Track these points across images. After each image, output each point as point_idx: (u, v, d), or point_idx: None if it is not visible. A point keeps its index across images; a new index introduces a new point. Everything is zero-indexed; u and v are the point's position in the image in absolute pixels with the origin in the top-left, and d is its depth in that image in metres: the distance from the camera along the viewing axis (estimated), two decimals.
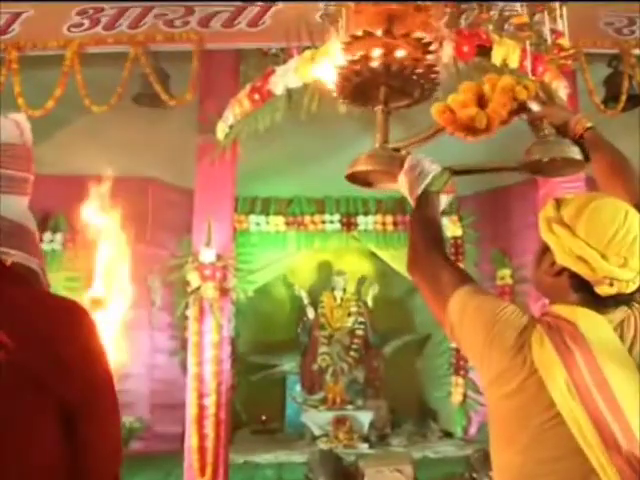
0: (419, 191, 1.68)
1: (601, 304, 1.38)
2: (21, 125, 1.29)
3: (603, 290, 1.36)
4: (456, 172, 1.75)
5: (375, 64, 1.78)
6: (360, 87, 1.85)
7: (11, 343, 1.10)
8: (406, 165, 1.72)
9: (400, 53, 1.79)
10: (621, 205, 1.40)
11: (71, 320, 1.18)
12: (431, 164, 1.70)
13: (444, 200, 1.73)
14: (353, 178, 1.86)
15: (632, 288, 1.37)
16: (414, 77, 1.81)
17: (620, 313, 1.38)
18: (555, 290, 1.44)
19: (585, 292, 1.38)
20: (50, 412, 1.16)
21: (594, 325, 1.34)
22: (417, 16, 1.88)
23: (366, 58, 1.80)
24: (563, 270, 1.41)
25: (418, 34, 1.84)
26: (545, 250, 1.45)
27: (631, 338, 1.35)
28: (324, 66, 1.92)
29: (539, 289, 1.51)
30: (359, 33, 1.81)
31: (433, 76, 1.83)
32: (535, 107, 1.72)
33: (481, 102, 1.73)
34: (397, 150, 1.82)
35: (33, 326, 1.13)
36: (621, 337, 1.35)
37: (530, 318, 1.39)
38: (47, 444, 1.17)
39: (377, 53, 1.78)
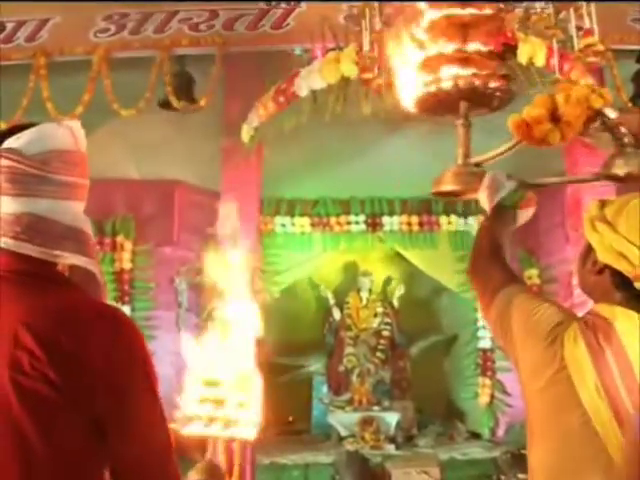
0: (492, 205, 1.79)
1: None
2: (75, 132, 1.33)
3: None
4: (531, 186, 1.81)
5: (460, 83, 1.89)
6: (439, 102, 1.96)
7: (41, 354, 1.12)
8: (484, 181, 1.83)
9: (483, 71, 1.88)
10: None
11: (104, 327, 1.20)
12: (507, 180, 1.81)
13: (523, 215, 1.83)
14: (439, 193, 2.04)
15: None
16: (493, 90, 1.92)
17: None
18: (598, 289, 1.45)
19: (627, 290, 1.38)
20: (78, 421, 1.17)
21: (632, 325, 1.33)
22: (490, 23, 1.94)
23: (454, 78, 1.91)
24: (605, 268, 1.41)
25: (493, 48, 1.94)
26: (589, 249, 1.47)
27: None
28: (401, 85, 2.05)
29: (584, 289, 1.52)
30: (435, 53, 1.90)
31: (509, 86, 1.93)
32: (612, 114, 1.74)
33: (555, 115, 1.75)
34: (478, 165, 1.96)
35: (64, 337, 1.15)
36: None
37: (568, 315, 1.41)
38: (72, 455, 1.18)
39: (464, 72, 1.89)
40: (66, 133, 1.31)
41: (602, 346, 1.30)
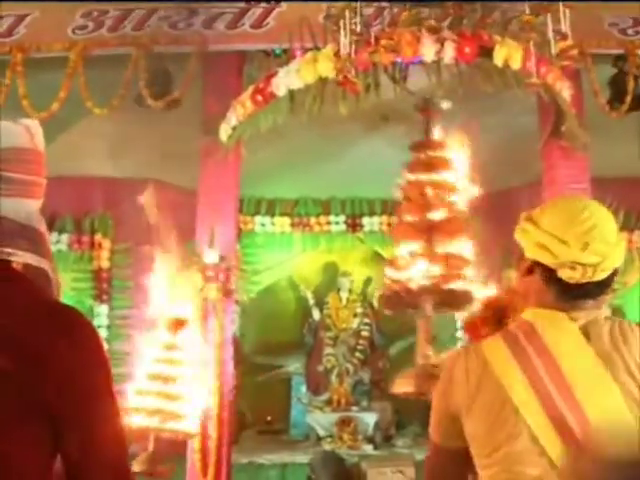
0: None
1: (572, 296, 1.43)
2: (32, 130, 1.32)
3: (566, 274, 1.41)
4: None
5: (425, 284, 1.96)
6: (404, 300, 2.03)
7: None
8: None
9: (449, 271, 1.96)
10: (582, 199, 1.54)
11: (66, 331, 1.20)
12: None
13: None
14: (398, 394, 2.04)
15: (600, 275, 1.41)
16: (456, 292, 1.99)
17: (588, 313, 1.42)
18: (532, 289, 1.51)
19: (555, 284, 1.44)
20: (38, 418, 1.17)
21: (551, 321, 1.41)
22: (454, 224, 2.03)
23: (415, 277, 1.98)
24: (534, 267, 1.48)
25: (458, 253, 2.03)
26: (522, 255, 1.54)
27: (605, 341, 1.37)
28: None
29: (521, 294, 1.56)
30: (404, 254, 1.97)
31: (470, 290, 2.00)
32: None
33: (497, 316, 1.86)
34: (436, 367, 1.97)
35: (26, 333, 1.15)
36: (587, 336, 1.38)
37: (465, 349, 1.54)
38: (33, 449, 1.18)
39: (429, 273, 1.96)
40: (22, 131, 1.31)
41: (523, 346, 1.36)
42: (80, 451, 1.22)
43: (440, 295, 2.01)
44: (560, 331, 1.39)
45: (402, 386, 2.01)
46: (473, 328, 1.86)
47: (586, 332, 1.38)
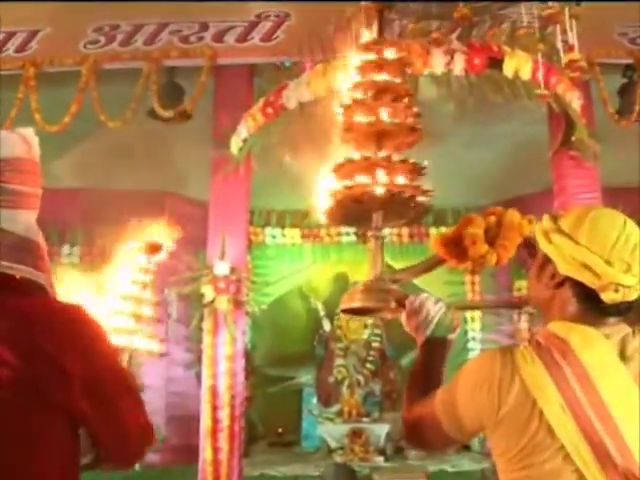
0: (424, 338, 1.65)
1: (602, 313, 1.37)
2: (29, 140, 1.30)
3: (609, 296, 1.34)
4: (461, 308, 1.72)
5: (375, 191, 1.79)
6: (352, 211, 1.85)
7: (14, 360, 1.12)
8: (408, 307, 1.69)
9: (400, 180, 1.82)
10: (619, 214, 1.41)
11: (72, 327, 1.21)
12: (434, 305, 1.66)
13: (454, 338, 1.69)
14: (350, 310, 1.86)
15: (634, 295, 1.36)
16: (409, 202, 1.83)
17: (619, 329, 1.37)
18: (555, 303, 1.42)
19: (588, 302, 1.37)
20: (56, 419, 1.19)
21: (587, 340, 1.33)
22: (407, 137, 1.90)
23: (364, 184, 1.82)
24: (565, 280, 1.39)
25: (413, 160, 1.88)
26: (544, 263, 1.44)
27: (636, 356, 1.33)
28: (320, 193, 1.92)
29: (538, 304, 1.49)
30: (355, 157, 1.84)
31: (426, 199, 1.85)
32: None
33: (487, 237, 1.72)
34: (395, 281, 1.83)
35: (36, 339, 1.16)
36: (622, 353, 1.33)
37: (505, 351, 1.38)
38: (54, 452, 1.20)
39: (379, 180, 1.81)
40: (19, 141, 1.28)
41: (559, 364, 1.29)
42: (105, 438, 1.27)
43: (392, 206, 1.82)
44: (596, 351, 1.31)
45: (348, 302, 1.84)
46: (450, 247, 1.73)
47: (621, 350, 1.33)
